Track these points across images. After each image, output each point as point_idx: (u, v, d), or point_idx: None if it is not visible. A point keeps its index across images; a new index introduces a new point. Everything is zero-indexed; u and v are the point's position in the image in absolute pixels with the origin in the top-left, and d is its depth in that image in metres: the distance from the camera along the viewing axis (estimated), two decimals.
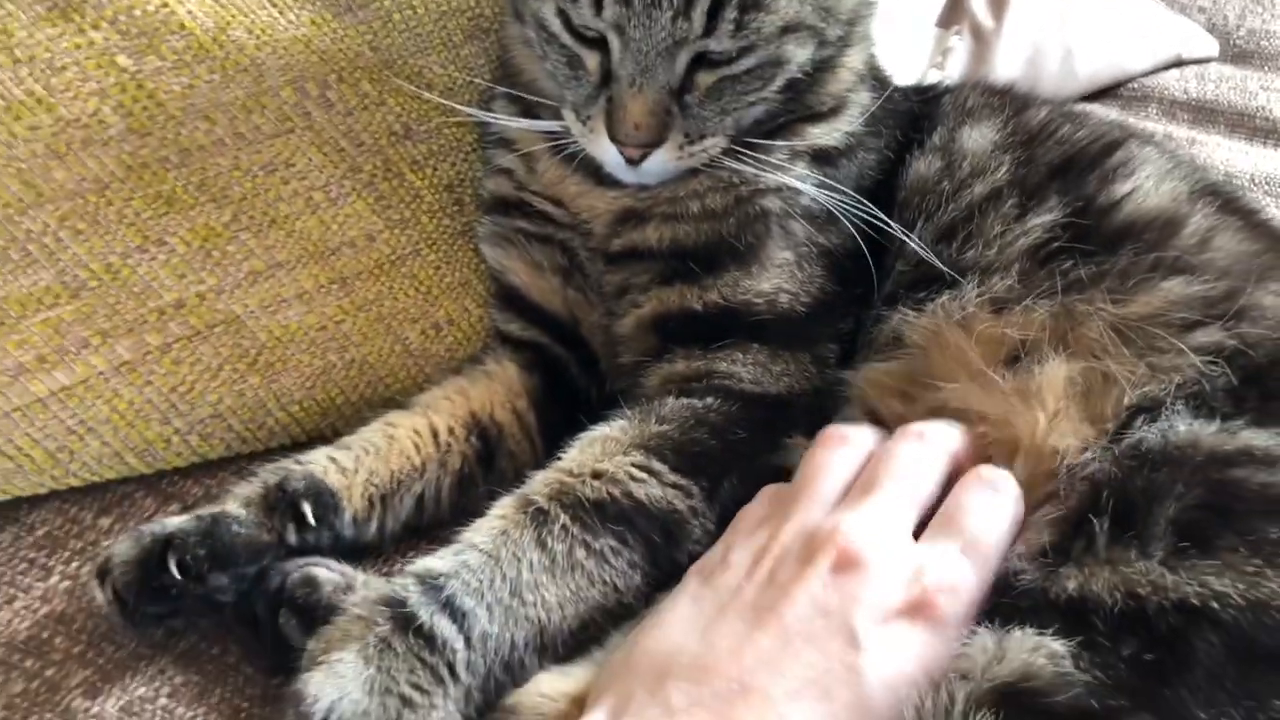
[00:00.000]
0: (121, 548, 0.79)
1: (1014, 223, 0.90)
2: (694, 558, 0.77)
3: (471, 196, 1.06)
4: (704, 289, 0.89)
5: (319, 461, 0.87)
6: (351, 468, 0.87)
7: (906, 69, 1.36)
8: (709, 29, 0.81)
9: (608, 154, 0.87)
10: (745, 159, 0.88)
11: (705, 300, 0.89)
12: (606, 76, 0.85)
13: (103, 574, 0.78)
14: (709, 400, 0.85)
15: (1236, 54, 1.75)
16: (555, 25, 0.86)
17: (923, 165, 0.97)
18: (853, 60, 0.96)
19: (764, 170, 0.88)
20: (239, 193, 0.93)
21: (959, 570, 0.68)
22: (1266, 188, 1.42)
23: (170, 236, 0.90)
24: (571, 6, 0.83)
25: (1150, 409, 0.74)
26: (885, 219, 0.89)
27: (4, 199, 0.84)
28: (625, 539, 0.77)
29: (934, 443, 0.76)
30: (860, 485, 0.72)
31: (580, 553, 0.75)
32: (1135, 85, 1.69)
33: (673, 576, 0.76)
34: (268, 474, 0.85)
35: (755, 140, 0.89)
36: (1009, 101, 1.04)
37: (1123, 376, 0.76)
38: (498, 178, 1.02)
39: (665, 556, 0.78)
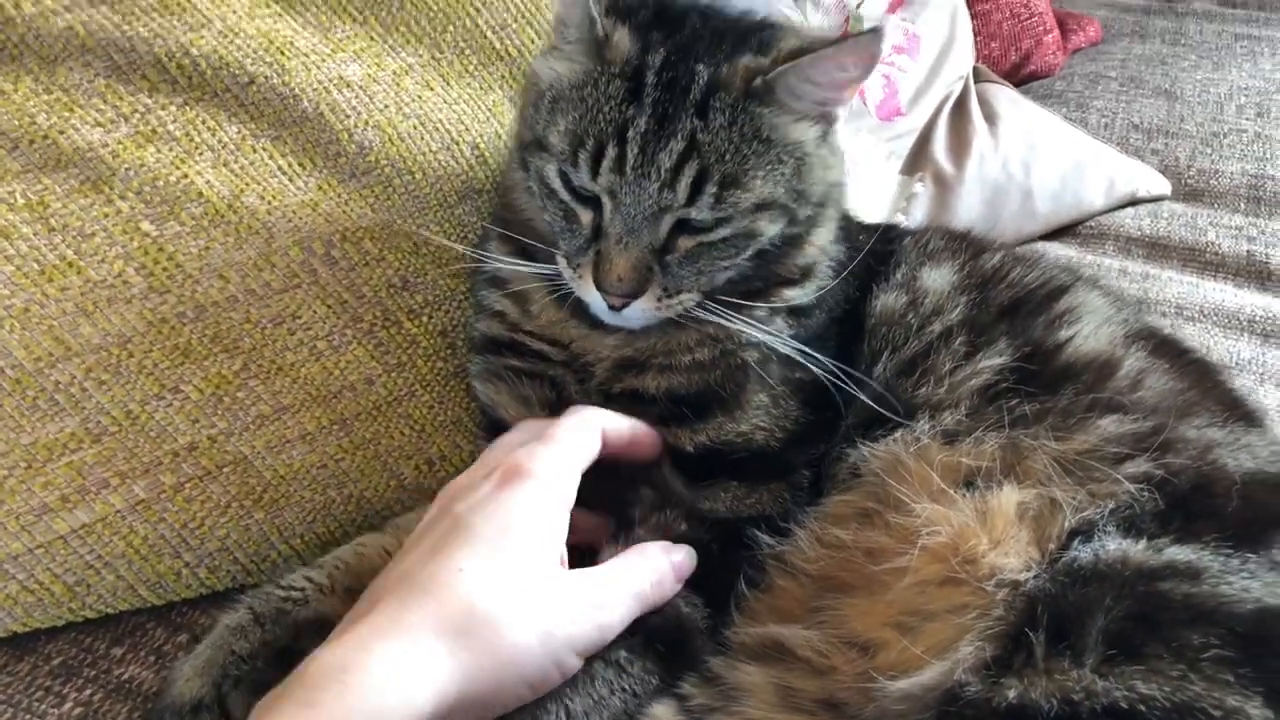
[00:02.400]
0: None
1: (963, 360, 0.94)
2: (693, 649, 0.85)
3: (464, 340, 1.09)
4: (694, 432, 0.94)
5: (299, 586, 0.90)
6: (328, 585, 0.90)
7: (873, 215, 1.42)
8: (691, 200, 0.86)
9: (593, 298, 0.92)
10: (727, 316, 0.93)
11: (695, 442, 0.94)
12: (597, 232, 0.90)
13: None
14: (685, 528, 0.91)
15: (1188, 193, 1.79)
16: (556, 184, 0.91)
17: (890, 299, 1.02)
18: (819, 238, 0.99)
19: (746, 327, 0.93)
20: (249, 343, 0.98)
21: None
22: (1215, 318, 1.47)
23: (185, 385, 0.95)
24: (572, 170, 0.88)
25: (1085, 530, 0.78)
26: (848, 371, 0.93)
27: (36, 353, 0.89)
28: (634, 646, 0.82)
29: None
30: None
31: (598, 665, 0.81)
32: (1093, 223, 1.73)
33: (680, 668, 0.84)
34: (257, 604, 0.88)
35: (732, 299, 0.93)
36: (967, 245, 1.09)
37: (1066, 502, 0.81)
38: (490, 320, 1.05)
39: (673, 649, 0.84)
